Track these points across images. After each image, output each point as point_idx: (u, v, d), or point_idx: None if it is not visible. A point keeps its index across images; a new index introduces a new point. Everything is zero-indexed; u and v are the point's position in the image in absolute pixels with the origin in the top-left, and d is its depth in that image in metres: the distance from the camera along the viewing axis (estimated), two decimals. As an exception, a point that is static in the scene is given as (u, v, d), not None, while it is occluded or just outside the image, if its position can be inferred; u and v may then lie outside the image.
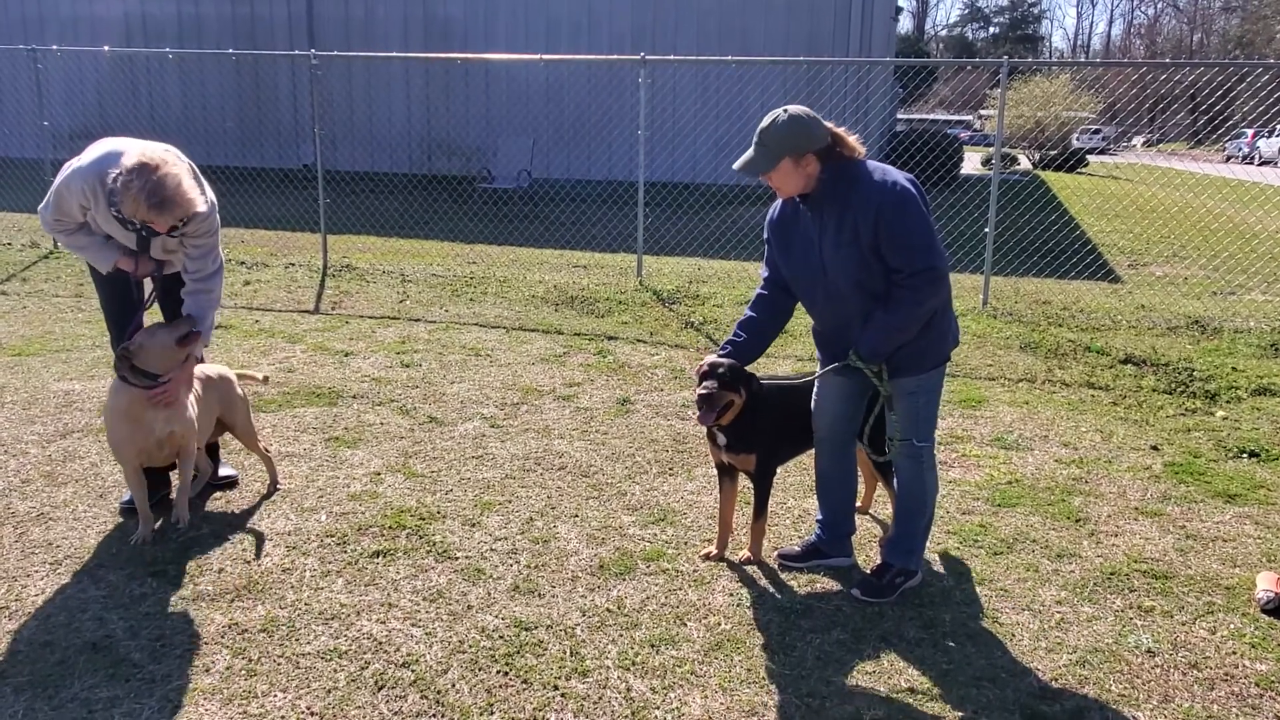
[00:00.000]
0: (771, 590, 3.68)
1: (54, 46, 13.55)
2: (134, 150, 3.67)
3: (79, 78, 21.43)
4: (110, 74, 22.46)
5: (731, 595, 3.63)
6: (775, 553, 3.94)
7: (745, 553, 3.92)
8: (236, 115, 22.75)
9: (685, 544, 4.04)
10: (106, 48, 15.13)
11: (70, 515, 4.17)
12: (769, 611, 3.52)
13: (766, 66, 17.79)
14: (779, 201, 3.58)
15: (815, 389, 3.80)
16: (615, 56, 14.86)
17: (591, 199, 16.04)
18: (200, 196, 3.76)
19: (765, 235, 3.67)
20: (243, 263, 10.63)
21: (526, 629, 3.36)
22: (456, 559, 3.85)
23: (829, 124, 3.39)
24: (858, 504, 4.12)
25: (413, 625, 3.36)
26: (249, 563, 3.78)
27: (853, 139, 3.39)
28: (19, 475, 4.59)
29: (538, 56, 11.66)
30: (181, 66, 22.34)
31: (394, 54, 14.51)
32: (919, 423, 3.54)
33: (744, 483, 3.98)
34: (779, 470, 4.02)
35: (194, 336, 3.90)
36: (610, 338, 7.63)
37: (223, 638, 3.26)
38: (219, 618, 3.38)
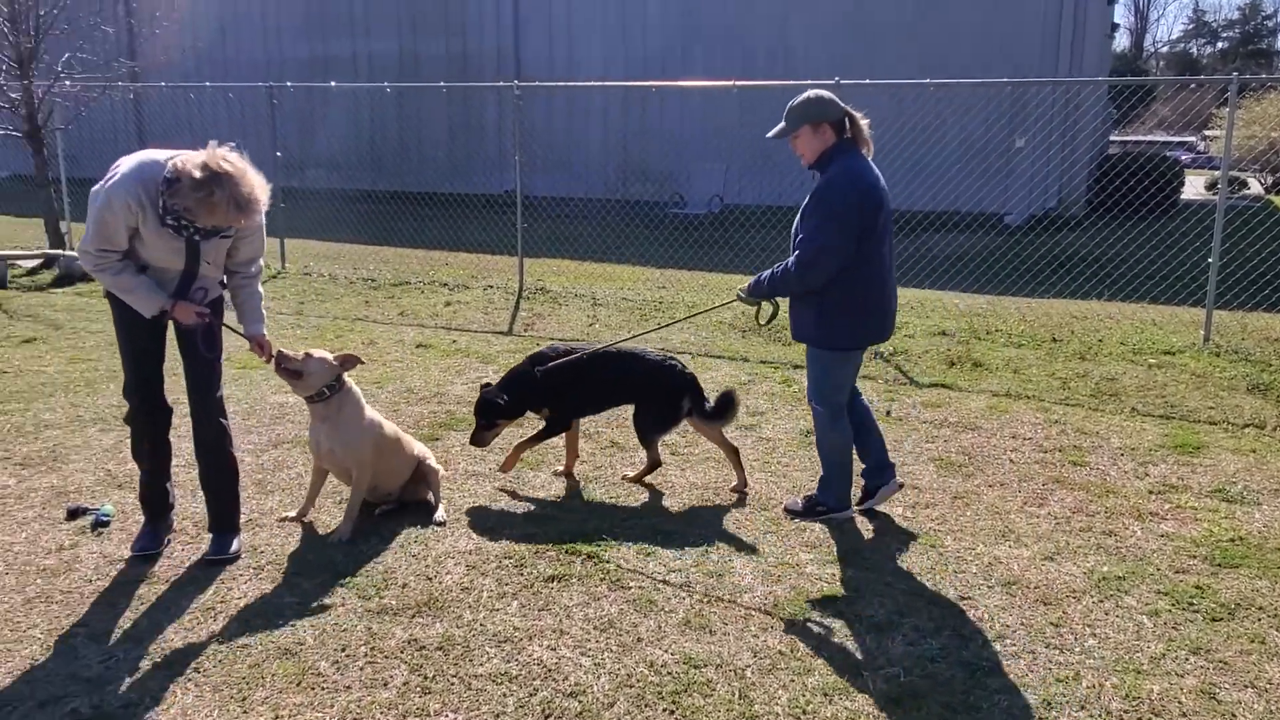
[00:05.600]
0: (957, 643, 3.47)
1: (288, 83, 14.69)
2: (188, 160, 3.52)
3: (309, 111, 23.16)
4: (338, 107, 24.13)
5: (913, 645, 3.44)
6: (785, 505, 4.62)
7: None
8: (447, 144, 23.95)
9: (865, 586, 3.87)
10: (333, 83, 16.26)
11: (274, 522, 4.44)
12: (953, 666, 3.32)
13: (966, 90, 17.13)
14: None
15: None
16: (809, 81, 14.65)
17: (783, 225, 15.85)
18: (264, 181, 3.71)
19: None
20: (445, 284, 11.12)
21: (696, 666, 3.29)
22: (629, 588, 3.84)
23: (847, 106, 4.19)
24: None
25: (582, 654, 3.36)
26: (430, 579, 3.89)
27: (864, 122, 4.19)
28: (233, 482, 4.92)
29: (730, 83, 11.65)
30: (400, 99, 23.72)
31: (593, 83, 14.86)
32: (811, 386, 4.46)
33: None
34: None
35: (354, 359, 4.39)
36: (796, 367, 7.48)
37: (401, 653, 3.36)
38: (399, 632, 3.49)
